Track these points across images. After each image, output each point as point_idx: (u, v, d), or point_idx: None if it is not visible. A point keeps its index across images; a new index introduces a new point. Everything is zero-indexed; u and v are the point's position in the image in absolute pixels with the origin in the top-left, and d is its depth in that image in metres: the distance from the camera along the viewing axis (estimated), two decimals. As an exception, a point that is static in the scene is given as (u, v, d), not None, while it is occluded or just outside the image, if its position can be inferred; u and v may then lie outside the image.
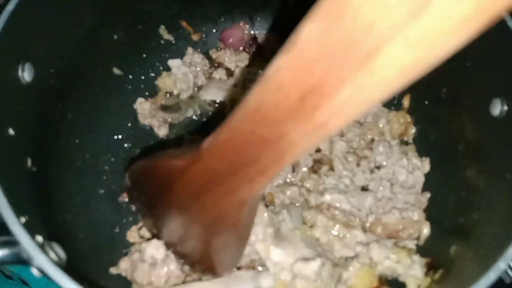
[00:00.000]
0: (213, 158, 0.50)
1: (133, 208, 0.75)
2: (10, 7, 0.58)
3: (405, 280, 0.69)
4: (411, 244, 0.72)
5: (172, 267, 0.66)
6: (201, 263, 0.65)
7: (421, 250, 0.73)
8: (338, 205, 0.74)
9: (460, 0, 0.29)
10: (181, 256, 0.68)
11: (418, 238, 0.74)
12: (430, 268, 0.69)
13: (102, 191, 0.80)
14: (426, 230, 0.74)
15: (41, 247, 0.47)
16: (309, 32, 0.34)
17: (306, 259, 0.66)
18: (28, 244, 0.46)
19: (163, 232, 0.67)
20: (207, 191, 0.53)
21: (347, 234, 0.71)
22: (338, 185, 0.76)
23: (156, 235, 0.70)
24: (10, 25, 0.57)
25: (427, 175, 0.80)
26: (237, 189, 0.50)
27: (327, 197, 0.74)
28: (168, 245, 0.68)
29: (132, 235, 0.75)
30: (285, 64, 0.37)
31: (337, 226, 0.72)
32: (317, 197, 0.75)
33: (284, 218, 0.70)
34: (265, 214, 0.68)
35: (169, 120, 0.88)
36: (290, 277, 0.66)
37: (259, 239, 0.67)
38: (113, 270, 0.70)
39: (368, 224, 0.74)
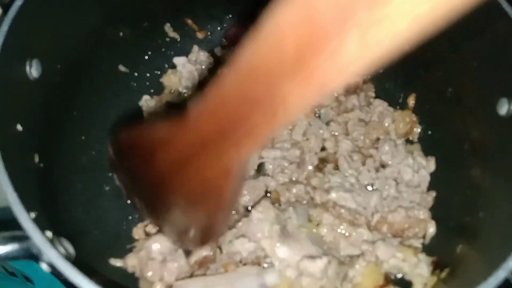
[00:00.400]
0: (200, 123, 0.48)
1: (116, 181, 0.73)
2: (18, 2, 0.58)
3: (411, 279, 0.70)
4: (417, 243, 0.73)
5: (182, 262, 0.66)
6: (187, 233, 0.63)
7: (427, 249, 0.73)
8: (343, 203, 0.74)
9: None
10: (168, 230, 0.66)
11: (424, 237, 0.74)
12: (437, 267, 0.69)
13: (108, 188, 0.80)
14: (431, 229, 0.74)
15: (51, 242, 0.47)
16: None
17: (312, 257, 0.66)
18: (38, 239, 0.46)
19: (148, 206, 0.65)
20: (194, 158, 0.51)
21: (353, 233, 0.71)
22: (343, 183, 0.76)
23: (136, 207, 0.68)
24: (18, 21, 0.57)
25: (432, 174, 0.80)
26: (224, 155, 0.48)
27: (333, 195, 0.74)
28: (154, 220, 0.67)
29: (138, 232, 0.75)
30: (285, 17, 0.35)
31: (343, 224, 0.72)
32: (323, 195, 0.75)
33: (290, 216, 0.71)
34: (271, 212, 0.69)
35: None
36: (295, 274, 0.66)
37: (265, 236, 0.67)
38: (115, 263, 0.70)
39: (373, 223, 0.74)
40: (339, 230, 0.72)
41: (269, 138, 0.46)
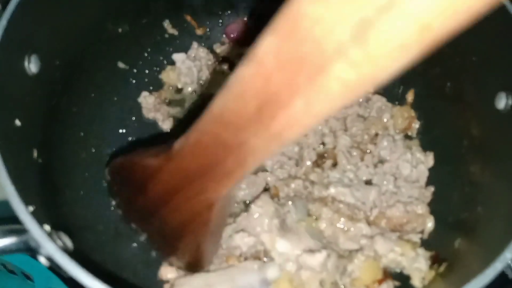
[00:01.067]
0: (183, 159, 0.52)
1: (113, 202, 0.77)
2: (17, -3, 0.58)
3: (410, 273, 0.70)
4: (416, 238, 0.73)
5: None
6: (182, 257, 0.67)
7: (426, 244, 0.73)
8: (342, 198, 0.74)
9: (401, 28, 0.30)
10: (164, 252, 0.70)
11: (422, 232, 0.74)
12: (435, 261, 0.69)
13: (107, 184, 0.80)
14: (430, 224, 0.74)
15: (49, 235, 0.47)
16: (267, 45, 0.36)
17: (311, 251, 0.66)
18: (36, 232, 0.46)
19: (142, 226, 0.70)
20: (179, 191, 0.55)
21: (352, 227, 0.71)
22: (342, 179, 0.76)
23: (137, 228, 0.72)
24: (17, 16, 0.57)
25: (431, 170, 0.80)
26: (206, 189, 0.52)
27: (332, 190, 0.74)
28: (150, 240, 0.70)
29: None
30: (245, 74, 0.39)
31: (342, 219, 0.72)
32: (321, 190, 0.75)
33: (289, 210, 0.71)
34: (271, 206, 0.69)
35: (173, 114, 0.88)
36: (295, 268, 0.66)
37: (265, 230, 0.67)
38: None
39: (372, 218, 0.75)
40: (338, 225, 0.72)
41: (244, 176, 0.51)
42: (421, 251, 0.71)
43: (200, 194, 0.53)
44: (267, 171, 0.78)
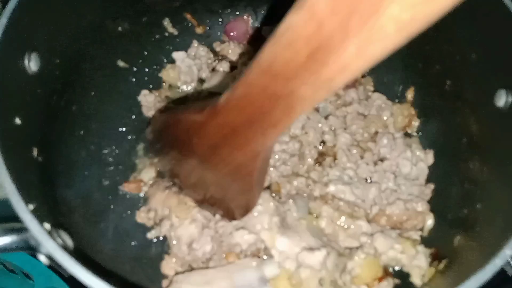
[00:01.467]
0: (229, 113, 0.52)
1: (155, 160, 0.79)
2: (17, -4, 0.58)
3: (410, 270, 0.70)
4: (416, 235, 0.73)
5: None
6: (219, 208, 0.69)
7: (425, 241, 0.73)
8: (342, 196, 0.74)
9: None
10: (200, 202, 0.72)
11: (422, 229, 0.74)
12: (435, 258, 0.69)
13: (107, 182, 0.80)
14: (430, 221, 0.74)
15: (49, 233, 0.47)
16: None
17: (311, 249, 0.66)
18: (36, 230, 0.46)
19: (183, 181, 0.71)
20: (224, 144, 0.56)
21: (352, 225, 0.71)
22: (342, 176, 0.76)
23: (175, 184, 0.75)
24: (17, 15, 0.57)
25: (430, 167, 0.80)
26: (252, 141, 0.53)
27: (332, 188, 0.74)
28: (187, 193, 0.72)
29: (140, 215, 0.76)
30: (296, 22, 0.38)
31: (342, 217, 0.72)
32: (322, 188, 0.75)
33: (290, 208, 0.71)
34: (271, 204, 0.69)
35: (174, 112, 0.88)
36: (295, 266, 0.66)
37: (265, 228, 0.67)
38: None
39: (372, 215, 0.75)
40: (338, 223, 0.72)
41: (288, 127, 0.54)
42: (421, 248, 0.71)
43: (245, 146, 0.54)
44: (270, 166, 0.79)
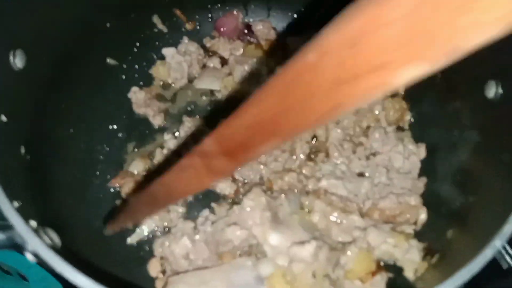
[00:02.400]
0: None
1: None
2: (1, -8, 0.57)
3: (402, 265, 0.69)
4: (409, 229, 0.72)
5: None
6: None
7: (419, 235, 0.73)
8: (334, 190, 0.74)
9: None
10: None
11: (415, 223, 0.74)
12: (427, 253, 0.69)
13: (97, 181, 0.79)
14: (423, 215, 0.74)
15: (35, 231, 0.47)
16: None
17: (301, 242, 0.66)
18: (21, 228, 0.46)
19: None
20: None
21: (344, 220, 0.71)
22: (334, 171, 0.76)
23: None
24: (1, 10, 0.56)
25: (423, 161, 0.80)
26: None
27: (324, 183, 0.74)
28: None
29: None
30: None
31: (335, 212, 0.72)
32: (315, 183, 0.75)
33: (282, 203, 0.70)
34: (263, 199, 0.68)
35: (164, 109, 0.87)
36: (287, 261, 0.66)
37: (257, 223, 0.67)
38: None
39: (365, 210, 0.74)
40: (331, 217, 0.72)
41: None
42: (414, 242, 0.71)
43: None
44: (261, 164, 0.78)
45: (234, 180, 0.78)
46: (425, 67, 0.27)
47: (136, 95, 0.86)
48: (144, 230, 0.75)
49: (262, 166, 0.78)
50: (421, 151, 0.80)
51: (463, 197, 0.68)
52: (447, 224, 0.68)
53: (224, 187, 0.76)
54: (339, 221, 0.72)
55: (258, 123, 0.37)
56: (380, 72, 0.28)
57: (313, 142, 0.83)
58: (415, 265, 0.69)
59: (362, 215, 0.74)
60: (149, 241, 0.75)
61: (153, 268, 0.70)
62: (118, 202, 0.78)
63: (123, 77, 0.87)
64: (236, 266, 0.67)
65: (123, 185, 0.78)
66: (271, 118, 0.35)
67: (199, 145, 0.43)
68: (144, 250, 0.74)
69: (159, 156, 0.81)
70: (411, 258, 0.69)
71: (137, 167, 0.80)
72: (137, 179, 0.79)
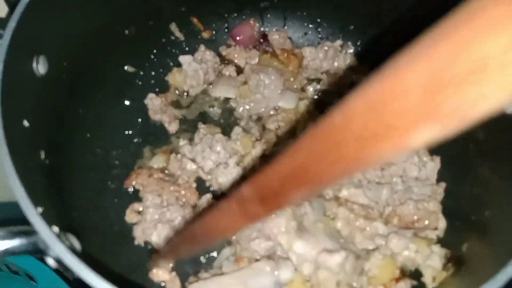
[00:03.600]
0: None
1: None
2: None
3: (423, 270, 0.69)
4: (432, 234, 0.72)
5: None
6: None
7: (441, 242, 0.72)
8: (355, 199, 0.74)
9: None
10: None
11: (436, 229, 0.74)
12: (450, 260, 0.69)
13: (113, 185, 0.80)
14: (442, 222, 0.73)
15: (58, 236, 0.47)
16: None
17: (330, 251, 0.66)
18: (45, 233, 0.46)
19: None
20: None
21: (367, 227, 0.71)
22: (352, 180, 0.76)
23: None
24: (25, 18, 0.57)
25: (438, 174, 0.79)
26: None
27: (345, 193, 0.74)
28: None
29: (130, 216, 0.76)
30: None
31: (358, 218, 0.72)
32: (334, 191, 0.75)
33: (306, 211, 0.70)
34: (288, 208, 0.68)
35: (180, 116, 0.88)
36: (312, 269, 0.66)
37: (282, 232, 0.67)
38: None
39: (384, 215, 0.74)
40: (354, 224, 0.72)
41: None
42: (436, 248, 0.70)
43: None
44: None
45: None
46: (436, 131, 0.29)
47: (153, 101, 0.87)
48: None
49: None
50: (436, 163, 0.80)
51: (479, 212, 0.68)
52: (465, 236, 0.68)
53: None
54: (362, 228, 0.72)
55: (291, 174, 0.40)
56: (396, 132, 0.31)
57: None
58: (434, 272, 0.69)
59: (384, 221, 0.74)
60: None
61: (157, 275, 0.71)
62: (134, 205, 0.79)
63: (140, 83, 0.88)
64: (255, 271, 0.67)
65: (138, 180, 0.79)
66: (303, 170, 0.39)
67: (237, 192, 0.47)
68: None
69: (174, 162, 0.82)
70: (431, 264, 0.69)
71: (157, 162, 0.81)
72: (152, 173, 0.80)
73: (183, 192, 0.78)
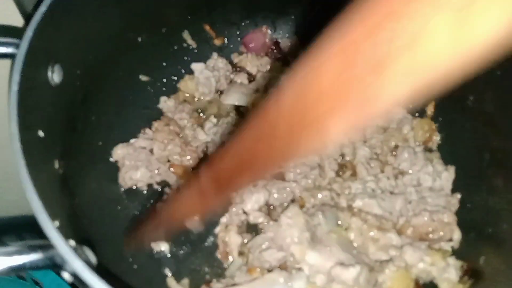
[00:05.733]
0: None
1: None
2: (42, 8, 0.58)
3: (438, 283, 0.69)
4: (447, 246, 0.71)
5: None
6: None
7: (456, 254, 0.72)
8: (369, 209, 0.74)
9: None
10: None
11: (451, 240, 0.73)
12: (466, 272, 0.68)
13: (124, 195, 0.79)
14: (457, 234, 0.72)
15: (75, 250, 0.47)
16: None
17: (345, 265, 0.65)
18: (63, 248, 0.45)
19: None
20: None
21: (381, 238, 0.71)
22: (365, 189, 0.76)
23: None
24: (42, 27, 0.57)
25: (453, 184, 0.79)
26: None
27: (359, 203, 0.74)
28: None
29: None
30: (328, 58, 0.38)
31: (372, 229, 0.71)
32: (348, 202, 0.75)
33: (319, 222, 0.70)
34: (301, 218, 0.68)
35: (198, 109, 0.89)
36: (325, 281, 0.65)
37: (295, 242, 0.67)
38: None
39: (398, 226, 0.74)
40: (367, 235, 0.71)
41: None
42: (451, 260, 0.69)
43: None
44: (292, 181, 0.78)
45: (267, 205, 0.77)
46: (349, 120, 0.36)
47: (167, 103, 0.87)
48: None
49: (294, 184, 0.77)
50: (451, 173, 0.79)
51: (495, 224, 0.67)
52: (482, 248, 0.67)
53: (257, 215, 0.75)
54: (376, 238, 0.72)
55: (241, 157, 0.48)
56: (317, 119, 0.38)
57: (340, 160, 0.82)
58: (451, 285, 0.68)
59: (398, 232, 0.73)
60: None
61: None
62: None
63: (151, 90, 0.88)
64: (268, 283, 0.66)
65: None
66: (247, 159, 0.47)
67: (196, 177, 0.54)
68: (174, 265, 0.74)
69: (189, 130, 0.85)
70: (448, 277, 0.68)
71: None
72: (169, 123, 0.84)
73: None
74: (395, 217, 0.74)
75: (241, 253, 0.73)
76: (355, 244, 0.71)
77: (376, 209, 0.73)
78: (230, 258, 0.72)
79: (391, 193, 0.77)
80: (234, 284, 0.67)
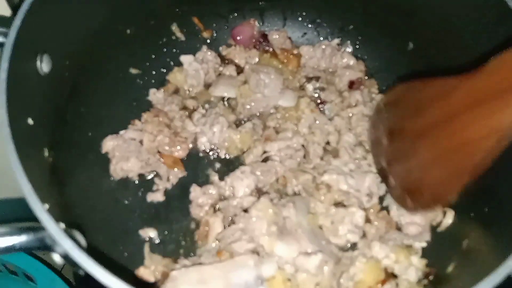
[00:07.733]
0: (489, 77, 0.48)
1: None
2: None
3: (399, 281, 0.69)
4: (418, 245, 0.72)
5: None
6: (415, 193, 0.66)
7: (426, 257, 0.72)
8: (335, 185, 0.76)
9: None
10: (396, 190, 0.71)
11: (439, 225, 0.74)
12: (427, 275, 0.69)
13: (114, 184, 0.80)
14: (449, 218, 0.73)
15: (65, 232, 0.48)
16: None
17: (308, 254, 0.66)
18: (53, 229, 0.47)
19: (391, 161, 0.71)
20: (464, 113, 0.51)
21: (346, 216, 0.72)
22: (340, 167, 0.78)
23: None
24: (30, 16, 0.58)
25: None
26: (495, 114, 0.47)
27: (325, 177, 0.76)
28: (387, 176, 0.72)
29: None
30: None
31: (337, 208, 0.73)
32: (318, 178, 0.77)
33: (289, 215, 0.71)
34: (270, 211, 0.69)
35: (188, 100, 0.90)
36: (292, 270, 0.67)
37: (263, 233, 0.67)
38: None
39: (367, 206, 0.76)
40: (334, 216, 0.73)
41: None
42: (415, 260, 0.70)
43: (484, 119, 0.48)
44: (276, 160, 0.80)
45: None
46: None
47: (156, 95, 0.88)
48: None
49: (278, 164, 0.79)
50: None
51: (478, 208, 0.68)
52: (451, 256, 0.68)
53: (251, 200, 0.76)
54: (342, 216, 0.73)
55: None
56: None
57: (324, 145, 0.84)
58: (410, 286, 0.68)
59: (367, 216, 0.75)
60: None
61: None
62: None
63: (140, 82, 0.89)
64: (237, 265, 0.66)
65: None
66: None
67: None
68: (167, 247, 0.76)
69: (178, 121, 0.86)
70: (407, 278, 0.69)
71: None
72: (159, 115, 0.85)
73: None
74: (363, 194, 0.76)
75: (213, 241, 0.74)
76: (325, 229, 0.72)
77: (342, 185, 0.75)
78: (207, 241, 0.74)
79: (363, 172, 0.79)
80: (201, 263, 0.68)
